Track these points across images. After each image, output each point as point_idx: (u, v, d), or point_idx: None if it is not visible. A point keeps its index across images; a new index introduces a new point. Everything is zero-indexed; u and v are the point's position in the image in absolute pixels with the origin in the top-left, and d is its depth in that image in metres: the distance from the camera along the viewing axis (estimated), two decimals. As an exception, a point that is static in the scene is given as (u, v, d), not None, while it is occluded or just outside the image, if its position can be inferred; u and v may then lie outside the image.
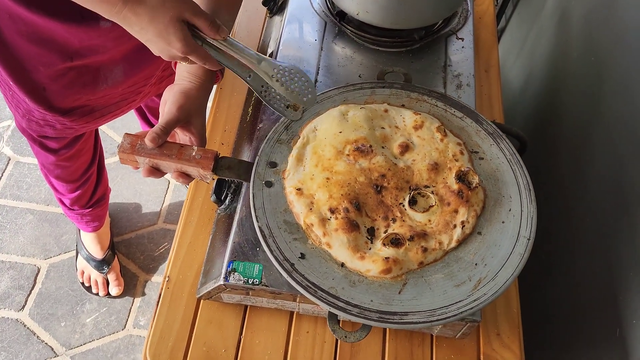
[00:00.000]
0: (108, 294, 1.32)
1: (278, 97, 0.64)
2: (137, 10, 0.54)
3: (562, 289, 0.91)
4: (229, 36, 0.60)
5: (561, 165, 1.00)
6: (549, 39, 1.19)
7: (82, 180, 1.14)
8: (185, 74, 0.67)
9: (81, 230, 1.33)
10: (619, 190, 0.77)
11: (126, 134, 0.61)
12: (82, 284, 1.34)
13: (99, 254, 1.32)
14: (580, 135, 0.94)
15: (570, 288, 0.89)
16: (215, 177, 0.64)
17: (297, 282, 0.56)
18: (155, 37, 0.57)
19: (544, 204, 0.78)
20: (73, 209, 1.21)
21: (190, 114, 0.64)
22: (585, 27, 1.01)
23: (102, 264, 1.32)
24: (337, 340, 0.70)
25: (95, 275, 1.32)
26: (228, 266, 0.64)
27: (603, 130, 0.86)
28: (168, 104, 0.63)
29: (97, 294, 1.32)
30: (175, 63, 0.71)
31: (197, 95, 0.65)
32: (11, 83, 0.82)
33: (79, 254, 1.36)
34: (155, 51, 0.59)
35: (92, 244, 1.31)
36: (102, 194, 1.24)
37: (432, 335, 0.70)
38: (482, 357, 0.69)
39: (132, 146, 0.60)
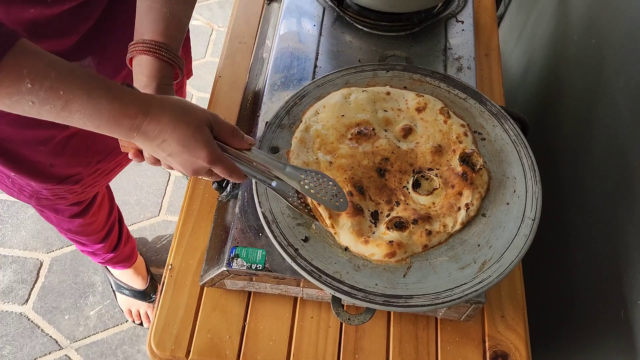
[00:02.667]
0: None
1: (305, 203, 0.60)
2: (161, 119, 0.50)
3: (565, 272, 0.91)
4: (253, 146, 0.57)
5: (563, 149, 1.00)
6: (549, 24, 1.18)
7: (105, 230, 1.08)
8: (140, 76, 0.62)
9: (112, 269, 1.26)
10: (622, 172, 0.77)
11: None
12: (133, 321, 1.28)
13: (142, 285, 1.27)
14: (583, 118, 0.94)
15: (573, 271, 0.89)
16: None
17: (302, 267, 0.56)
18: (179, 148, 0.52)
19: (545, 188, 0.78)
20: (102, 256, 1.15)
21: None
22: (586, 10, 1.00)
23: (150, 293, 1.27)
24: (341, 325, 0.70)
25: (146, 307, 1.28)
26: (231, 252, 0.64)
27: (605, 111, 0.85)
28: None
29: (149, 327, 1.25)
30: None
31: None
32: (12, 174, 0.75)
33: (118, 293, 1.28)
34: (176, 166, 0.55)
35: (132, 277, 1.26)
36: (127, 236, 1.19)
37: (436, 318, 0.70)
38: (487, 339, 0.69)
39: None
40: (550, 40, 1.16)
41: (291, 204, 0.59)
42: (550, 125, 1.08)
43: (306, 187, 0.57)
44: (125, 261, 1.21)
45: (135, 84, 0.62)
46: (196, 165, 0.54)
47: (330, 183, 0.57)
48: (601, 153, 0.85)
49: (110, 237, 1.11)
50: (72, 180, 0.80)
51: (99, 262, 1.21)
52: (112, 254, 1.15)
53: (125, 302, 1.28)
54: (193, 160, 0.53)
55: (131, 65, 0.63)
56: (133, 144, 0.61)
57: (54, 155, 0.75)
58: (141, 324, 1.29)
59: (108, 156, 0.84)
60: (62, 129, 0.73)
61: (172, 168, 0.56)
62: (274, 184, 0.58)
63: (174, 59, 0.61)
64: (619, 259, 0.75)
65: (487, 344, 0.69)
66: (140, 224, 1.43)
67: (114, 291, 1.31)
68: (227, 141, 0.55)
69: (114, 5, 0.66)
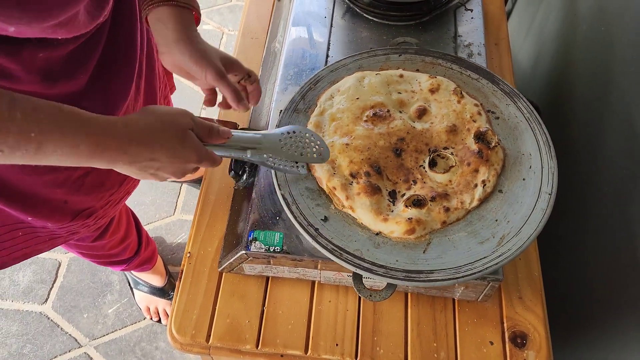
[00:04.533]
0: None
1: (284, 160, 0.60)
2: (146, 140, 0.49)
3: (583, 256, 0.91)
4: (233, 132, 0.58)
5: (575, 136, 1.00)
6: (557, 16, 1.18)
7: (124, 244, 1.09)
8: (165, 32, 0.60)
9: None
10: (635, 157, 0.77)
11: None
12: (151, 319, 1.28)
13: (160, 282, 1.27)
14: (594, 106, 0.94)
15: (591, 255, 0.88)
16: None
17: (323, 246, 0.56)
18: (169, 160, 0.51)
19: (559, 173, 0.78)
20: (122, 265, 1.14)
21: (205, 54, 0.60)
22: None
23: (168, 290, 1.28)
24: (359, 308, 0.70)
25: (164, 304, 1.28)
26: (249, 235, 0.65)
27: (617, 98, 0.85)
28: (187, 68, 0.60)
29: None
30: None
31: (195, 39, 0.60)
32: (29, 218, 0.73)
33: (136, 290, 1.28)
34: (165, 175, 0.55)
35: (150, 274, 1.25)
36: (147, 240, 1.19)
37: (454, 300, 0.70)
38: (505, 320, 0.69)
39: None
40: (559, 32, 1.16)
41: (272, 168, 0.59)
42: (561, 114, 1.08)
43: (289, 152, 0.58)
44: (147, 263, 1.22)
45: (162, 42, 0.60)
46: (186, 169, 0.55)
47: (307, 135, 0.58)
48: (614, 139, 0.85)
49: (130, 247, 1.12)
50: (85, 215, 0.79)
51: (121, 270, 1.21)
52: (133, 261, 1.16)
53: (144, 299, 1.29)
54: (183, 166, 0.54)
55: (148, 25, 0.62)
56: None
57: (69, 194, 0.73)
58: (159, 321, 1.29)
59: (120, 187, 0.83)
60: (76, 168, 0.71)
61: (155, 178, 0.55)
62: (249, 156, 0.58)
63: (189, 2, 0.60)
64: (637, 243, 0.74)
65: (505, 324, 0.69)
66: (156, 223, 1.45)
67: (131, 288, 1.32)
68: (206, 141, 0.55)
69: (114, 32, 0.66)
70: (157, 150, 0.50)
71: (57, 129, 0.43)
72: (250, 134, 0.59)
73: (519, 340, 0.68)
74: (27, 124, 0.41)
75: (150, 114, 0.51)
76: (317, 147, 0.58)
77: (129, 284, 1.32)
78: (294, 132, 0.59)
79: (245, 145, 0.58)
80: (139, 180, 0.92)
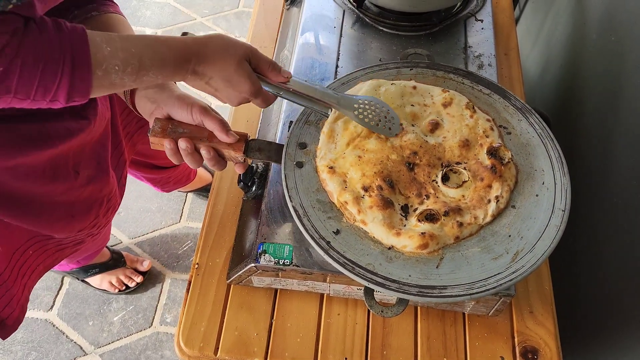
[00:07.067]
0: (142, 276, 1.33)
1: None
2: (207, 59, 0.55)
3: (595, 268, 0.90)
4: (295, 77, 0.61)
5: (585, 146, 0.99)
6: (566, 24, 1.18)
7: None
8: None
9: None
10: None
11: (157, 118, 0.62)
12: (120, 292, 1.32)
13: (106, 256, 1.30)
14: (604, 115, 0.93)
15: (599, 271, 0.88)
16: (246, 159, 0.64)
17: (335, 260, 0.56)
18: (223, 84, 0.57)
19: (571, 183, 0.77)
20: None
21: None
22: (605, 9, 1.00)
23: (116, 261, 1.30)
24: (368, 322, 0.70)
25: (122, 272, 1.31)
26: (258, 248, 0.64)
27: (627, 108, 0.85)
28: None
29: (137, 285, 1.32)
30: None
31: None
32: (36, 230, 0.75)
33: (89, 278, 1.31)
34: (223, 100, 0.60)
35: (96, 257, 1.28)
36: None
37: (464, 314, 0.70)
38: (515, 334, 0.69)
39: (163, 130, 0.61)
40: (567, 40, 1.15)
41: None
42: (570, 123, 1.07)
43: (360, 116, 0.62)
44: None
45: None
46: (240, 98, 0.59)
47: (384, 108, 0.63)
48: (625, 149, 0.84)
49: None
50: (90, 225, 0.81)
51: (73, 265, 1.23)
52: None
53: (102, 279, 1.30)
54: (237, 94, 0.59)
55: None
56: (163, 142, 0.62)
57: (73, 203, 0.75)
58: (126, 288, 1.31)
59: (112, 199, 0.85)
60: (73, 181, 0.73)
61: (216, 97, 0.61)
62: (329, 112, 0.62)
63: None
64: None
65: (516, 339, 0.68)
66: (162, 230, 1.45)
67: (83, 281, 1.32)
68: (265, 74, 0.60)
69: None
70: (216, 71, 0.56)
71: (147, 46, 0.53)
72: (329, 91, 0.63)
73: (530, 355, 0.68)
74: (124, 42, 0.51)
75: (215, 36, 0.57)
76: (388, 121, 0.63)
77: (79, 279, 1.32)
78: (369, 101, 0.63)
79: (326, 102, 0.62)
80: (123, 192, 0.93)
